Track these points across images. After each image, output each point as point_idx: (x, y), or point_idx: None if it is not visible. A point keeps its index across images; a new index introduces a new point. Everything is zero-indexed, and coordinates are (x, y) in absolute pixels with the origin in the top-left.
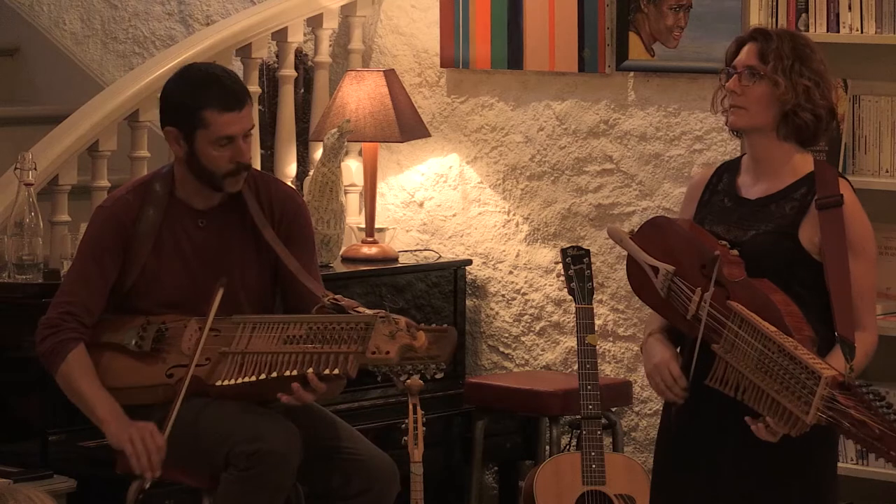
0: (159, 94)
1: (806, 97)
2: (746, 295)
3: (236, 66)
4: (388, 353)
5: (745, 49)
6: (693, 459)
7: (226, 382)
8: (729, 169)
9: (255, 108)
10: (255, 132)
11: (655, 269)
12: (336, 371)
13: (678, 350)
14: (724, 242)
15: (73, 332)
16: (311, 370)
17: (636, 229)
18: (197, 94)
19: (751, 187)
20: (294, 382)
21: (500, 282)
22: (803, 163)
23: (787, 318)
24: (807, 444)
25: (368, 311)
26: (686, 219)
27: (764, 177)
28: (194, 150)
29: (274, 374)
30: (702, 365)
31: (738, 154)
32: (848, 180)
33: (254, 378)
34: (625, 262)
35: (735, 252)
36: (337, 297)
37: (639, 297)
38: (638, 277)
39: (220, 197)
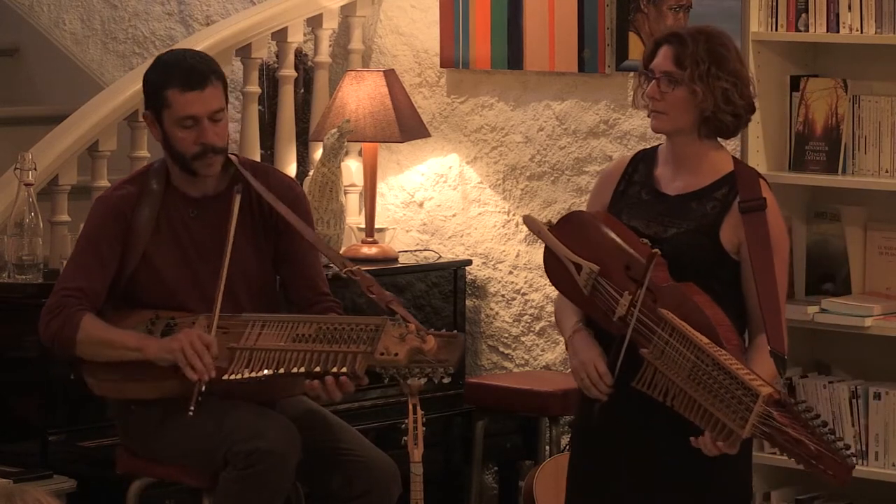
0: None
1: (724, 100)
2: (674, 300)
3: (236, 66)
4: (396, 354)
5: (662, 52)
6: (613, 456)
7: (233, 377)
8: (645, 159)
9: (226, 93)
10: (256, 131)
11: (578, 267)
12: (344, 370)
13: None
14: (644, 240)
15: (78, 306)
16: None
17: (555, 221)
18: (162, 74)
19: (670, 182)
20: (315, 380)
21: (499, 282)
22: (723, 161)
23: (719, 328)
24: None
25: (402, 309)
26: (603, 212)
27: (683, 172)
28: (165, 133)
29: (282, 371)
30: (628, 363)
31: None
32: (766, 180)
33: (262, 374)
34: (544, 245)
35: (657, 251)
36: (355, 269)
37: (557, 289)
38: (557, 271)
39: (214, 184)
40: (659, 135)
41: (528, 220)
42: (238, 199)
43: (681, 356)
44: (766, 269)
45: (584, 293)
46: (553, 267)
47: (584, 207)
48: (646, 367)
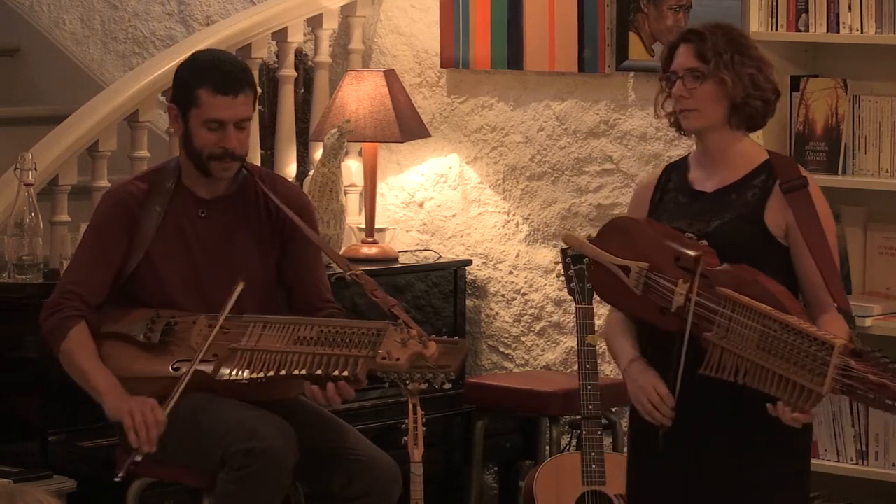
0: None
1: (753, 85)
2: (732, 280)
3: None
4: (398, 359)
5: (681, 52)
6: (675, 479)
7: (233, 377)
8: (676, 168)
9: (255, 103)
10: (256, 131)
11: (626, 269)
12: (345, 373)
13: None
14: (690, 235)
15: (75, 311)
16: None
17: (594, 234)
18: (196, 73)
19: (705, 181)
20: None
21: (500, 282)
22: (756, 152)
23: (781, 297)
24: (786, 441)
25: (403, 315)
26: (642, 218)
27: (718, 169)
28: (188, 130)
29: (283, 373)
30: (689, 370)
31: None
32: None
33: (262, 375)
34: (589, 266)
35: (704, 242)
36: (359, 273)
37: (607, 302)
38: (605, 282)
39: (225, 186)
40: (690, 135)
41: (567, 238)
42: (240, 287)
43: (747, 329)
44: (819, 238)
45: (636, 294)
46: (601, 280)
47: (584, 207)
48: (711, 351)
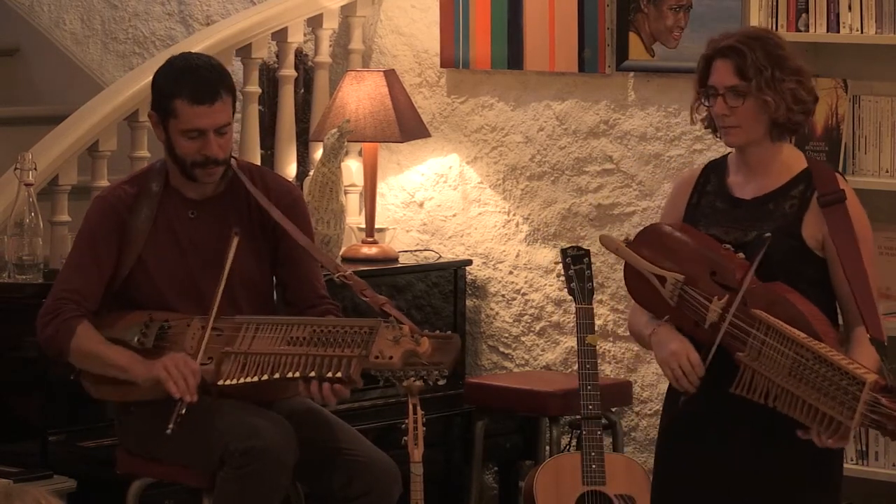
0: None
1: (794, 100)
2: (765, 300)
3: (236, 66)
4: (391, 357)
5: (720, 67)
6: (701, 459)
7: (228, 382)
8: (715, 169)
9: (234, 106)
10: (256, 131)
11: (662, 279)
12: (339, 374)
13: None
14: (727, 246)
15: (74, 312)
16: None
17: (631, 238)
18: (171, 82)
19: (744, 186)
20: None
21: (500, 282)
22: (796, 159)
23: (814, 322)
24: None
25: (395, 311)
26: (679, 223)
27: (757, 176)
28: (169, 137)
29: (276, 376)
30: (717, 368)
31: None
32: (842, 175)
33: (256, 378)
34: (624, 262)
35: (741, 255)
36: (347, 273)
37: (640, 305)
38: (639, 287)
39: (213, 186)
40: (735, 147)
41: (605, 240)
42: (236, 241)
43: (779, 354)
44: (854, 257)
45: (671, 305)
46: (635, 283)
47: (584, 207)
48: (743, 371)
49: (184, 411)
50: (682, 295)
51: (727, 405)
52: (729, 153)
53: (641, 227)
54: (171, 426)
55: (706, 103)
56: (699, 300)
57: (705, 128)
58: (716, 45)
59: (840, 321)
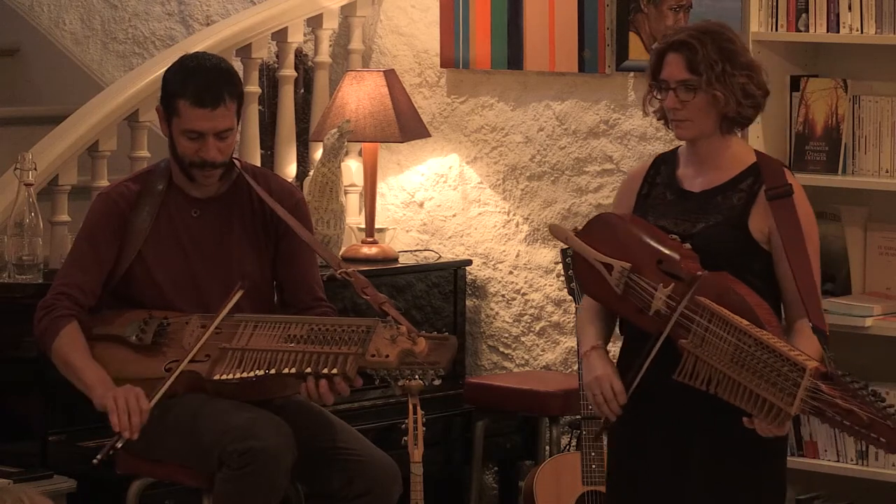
0: None
1: (744, 94)
2: (710, 288)
3: (236, 66)
4: (387, 356)
5: (671, 61)
6: (646, 448)
7: (224, 377)
8: (666, 161)
9: (239, 112)
10: (256, 131)
11: (609, 267)
12: (335, 371)
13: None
14: (674, 236)
15: (67, 310)
16: (309, 370)
17: (580, 227)
18: (178, 82)
19: (693, 179)
20: (319, 380)
21: (500, 282)
22: (745, 153)
23: (758, 310)
24: (758, 448)
25: (394, 311)
26: (628, 213)
27: (707, 169)
28: (171, 134)
29: (272, 372)
30: (664, 362)
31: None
32: (789, 168)
33: (252, 374)
34: (573, 252)
35: (688, 246)
36: (350, 271)
37: (587, 294)
38: (587, 276)
39: (217, 186)
40: (685, 140)
41: (553, 229)
42: (239, 294)
43: (722, 341)
44: (799, 250)
45: (617, 293)
46: (583, 272)
47: (584, 207)
48: (686, 359)
49: (119, 445)
50: (629, 283)
51: (673, 397)
52: (679, 146)
53: None
54: (98, 457)
55: (658, 96)
56: (645, 288)
57: (657, 119)
58: (668, 38)
59: (783, 315)
